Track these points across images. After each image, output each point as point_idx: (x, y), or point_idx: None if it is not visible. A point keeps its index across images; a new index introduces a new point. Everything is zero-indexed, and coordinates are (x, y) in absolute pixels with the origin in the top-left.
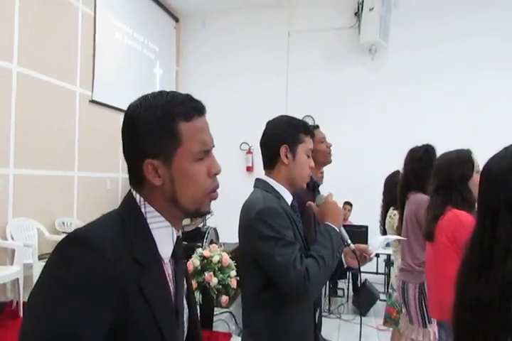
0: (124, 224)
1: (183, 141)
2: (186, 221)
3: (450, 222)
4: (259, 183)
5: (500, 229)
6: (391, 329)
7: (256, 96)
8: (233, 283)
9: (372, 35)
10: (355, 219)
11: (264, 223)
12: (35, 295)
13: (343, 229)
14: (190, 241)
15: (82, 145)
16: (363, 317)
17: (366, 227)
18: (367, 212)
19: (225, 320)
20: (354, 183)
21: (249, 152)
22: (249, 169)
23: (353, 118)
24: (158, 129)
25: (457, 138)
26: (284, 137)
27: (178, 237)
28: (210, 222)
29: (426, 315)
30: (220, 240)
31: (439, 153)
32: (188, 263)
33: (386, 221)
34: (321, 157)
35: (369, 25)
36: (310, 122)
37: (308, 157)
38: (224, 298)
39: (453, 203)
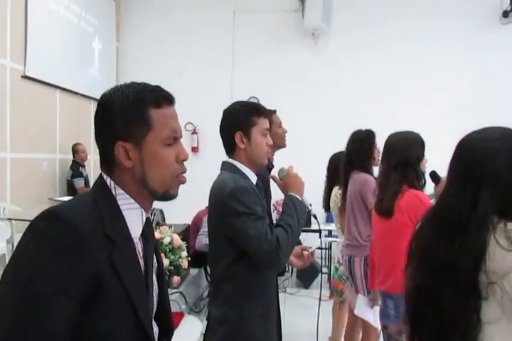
0: (96, 204)
1: (154, 126)
2: None
3: (411, 201)
4: (225, 166)
5: (482, 203)
6: (332, 300)
7: (201, 76)
8: (184, 264)
9: (315, 20)
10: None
11: (236, 200)
12: (13, 270)
13: (304, 197)
14: None
15: (15, 124)
16: (306, 290)
17: (310, 204)
18: (310, 189)
19: (176, 300)
20: (298, 162)
21: (194, 132)
22: (195, 149)
23: (297, 99)
24: (130, 114)
25: (399, 118)
26: (237, 124)
27: (147, 218)
28: (156, 203)
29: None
30: (166, 221)
31: (381, 135)
32: None
33: (331, 199)
34: (279, 140)
35: (312, 9)
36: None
37: (265, 135)
38: (176, 279)
39: (409, 182)
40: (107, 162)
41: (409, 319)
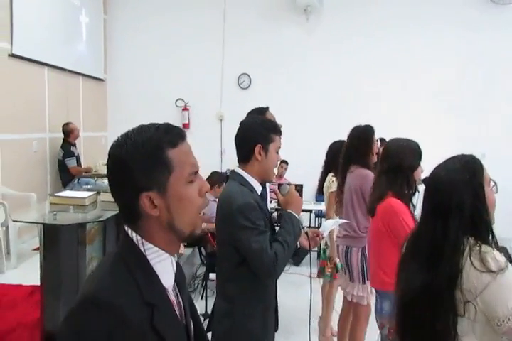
0: (129, 268)
1: (174, 167)
2: None
3: (385, 210)
4: (235, 176)
5: (452, 231)
6: (321, 278)
7: (192, 52)
8: (181, 249)
9: None
10: (291, 177)
11: (243, 216)
12: None
13: (301, 216)
14: None
15: (3, 104)
16: (296, 267)
17: (301, 186)
18: (303, 171)
19: None
20: (290, 142)
21: (185, 109)
22: (186, 126)
23: (289, 77)
24: (150, 162)
25: (389, 97)
26: (258, 137)
27: (176, 262)
28: None
29: (365, 274)
30: None
31: (372, 115)
32: None
33: (325, 184)
34: None
35: None
36: (246, 80)
37: (277, 153)
38: None
39: (397, 187)
40: (131, 216)
41: (398, 332)
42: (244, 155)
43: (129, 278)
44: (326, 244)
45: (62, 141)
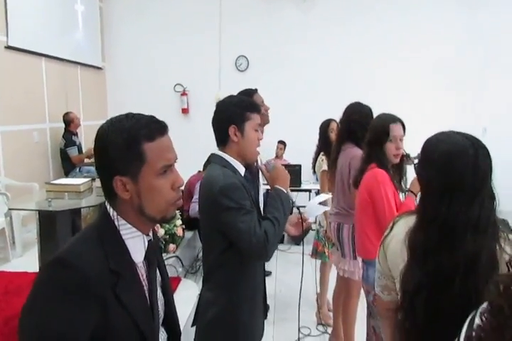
0: (101, 239)
1: (148, 160)
2: None
3: (369, 180)
4: (215, 159)
5: (474, 208)
6: (317, 259)
7: (189, 36)
8: (179, 232)
9: None
10: (289, 157)
11: (226, 197)
12: (30, 309)
13: (289, 191)
14: None
15: (2, 97)
16: (296, 246)
17: (300, 166)
18: (300, 151)
19: (172, 264)
20: (288, 123)
21: (183, 94)
22: (185, 111)
23: (287, 58)
24: (125, 150)
25: (394, 72)
26: (231, 118)
27: (149, 241)
28: None
29: (355, 250)
30: None
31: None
32: None
33: (316, 164)
34: (262, 119)
35: None
36: (244, 63)
37: (257, 131)
38: (171, 247)
39: (376, 159)
40: (108, 192)
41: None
42: (221, 137)
43: (99, 247)
44: (319, 224)
45: (63, 130)
